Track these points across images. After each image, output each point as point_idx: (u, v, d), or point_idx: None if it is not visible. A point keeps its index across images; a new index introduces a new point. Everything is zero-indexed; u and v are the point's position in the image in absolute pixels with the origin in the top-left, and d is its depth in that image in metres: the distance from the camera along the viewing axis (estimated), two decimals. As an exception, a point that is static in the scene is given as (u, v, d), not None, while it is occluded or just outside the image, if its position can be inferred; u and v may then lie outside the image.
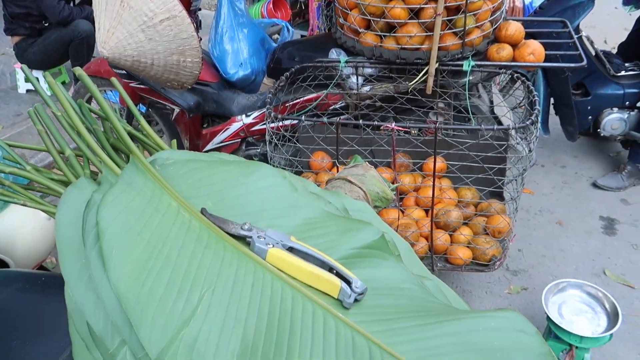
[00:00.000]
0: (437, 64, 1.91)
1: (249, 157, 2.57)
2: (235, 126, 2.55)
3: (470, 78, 1.95)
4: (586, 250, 2.65)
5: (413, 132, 2.11)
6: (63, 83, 4.33)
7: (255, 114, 2.51)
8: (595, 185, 3.13)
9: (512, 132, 1.80)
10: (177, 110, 2.48)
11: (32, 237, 1.42)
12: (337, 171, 1.83)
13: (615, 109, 3.02)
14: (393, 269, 0.76)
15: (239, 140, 2.60)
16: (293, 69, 2.03)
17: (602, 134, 3.07)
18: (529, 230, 2.78)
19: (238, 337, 0.59)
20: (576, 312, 1.92)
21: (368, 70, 2.10)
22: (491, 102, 2.24)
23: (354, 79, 2.11)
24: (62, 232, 0.67)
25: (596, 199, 3.04)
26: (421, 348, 0.60)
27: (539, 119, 2.65)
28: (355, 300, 0.65)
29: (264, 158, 2.53)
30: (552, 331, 1.89)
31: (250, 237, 0.69)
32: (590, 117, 3.07)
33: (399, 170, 1.95)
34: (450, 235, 1.86)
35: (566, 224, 2.84)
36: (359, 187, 1.01)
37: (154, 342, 0.58)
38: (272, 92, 1.85)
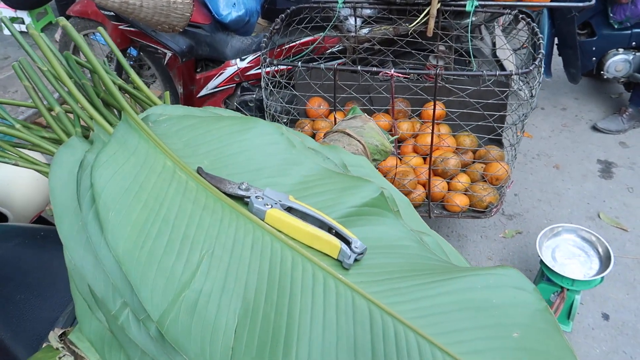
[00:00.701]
0: (439, 5, 1.83)
1: (245, 103, 2.52)
2: (229, 70, 2.48)
3: (473, 19, 1.88)
4: (582, 194, 2.67)
5: (412, 77, 2.06)
6: (50, 23, 4.17)
7: (250, 57, 2.44)
8: (595, 128, 3.11)
9: (515, 77, 1.76)
10: (169, 54, 2.40)
11: (28, 187, 1.41)
12: (334, 119, 1.80)
13: (621, 50, 2.95)
14: (392, 226, 0.76)
15: (234, 85, 2.54)
16: (289, 10, 1.95)
17: (605, 76, 3.02)
18: (525, 175, 2.79)
19: (239, 298, 0.60)
20: (569, 255, 1.96)
21: (367, 12, 2.02)
22: (494, 44, 2.17)
23: (352, 20, 2.03)
24: (57, 193, 0.66)
25: (595, 142, 3.03)
26: (419, 307, 0.60)
27: (542, 62, 2.60)
28: (355, 260, 0.65)
29: (259, 104, 2.48)
30: (544, 274, 1.93)
31: (249, 197, 0.68)
32: (594, 58, 3.01)
33: (397, 117, 1.92)
34: (448, 183, 1.86)
35: (563, 168, 2.85)
36: (358, 140, 0.99)
37: (155, 304, 0.58)
38: (268, 36, 1.78)
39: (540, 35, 1.65)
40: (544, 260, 1.92)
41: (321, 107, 2.16)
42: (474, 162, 1.89)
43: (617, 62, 2.96)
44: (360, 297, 0.60)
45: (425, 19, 1.88)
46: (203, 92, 2.58)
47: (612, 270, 1.90)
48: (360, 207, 0.74)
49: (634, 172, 2.80)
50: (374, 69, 1.47)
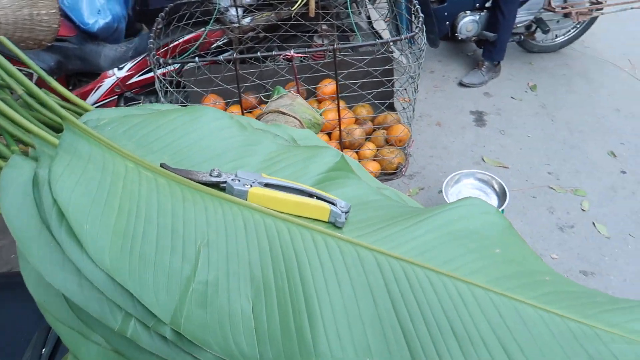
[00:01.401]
0: (316, -15, 1.89)
1: (132, 113, 2.37)
2: (108, 82, 2.32)
3: (349, -5, 1.97)
4: (464, 144, 2.95)
5: (309, 56, 2.09)
6: None
7: (129, 65, 2.30)
8: (461, 84, 3.44)
9: (393, 45, 1.88)
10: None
11: None
12: (242, 111, 1.78)
13: (468, 12, 3.28)
14: (358, 186, 0.79)
15: (116, 97, 2.38)
16: (167, 8, 1.87)
17: (459, 37, 3.33)
18: (414, 136, 3.00)
19: (247, 279, 0.59)
20: (472, 197, 2.16)
21: (247, 0, 2.01)
22: (369, 17, 2.29)
23: (233, 11, 2.01)
24: (14, 219, 0.59)
25: (464, 96, 3.35)
26: (416, 246, 0.65)
27: (404, 27, 2.79)
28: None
29: (149, 111, 2.35)
30: (455, 219, 2.12)
31: (224, 181, 0.67)
32: (447, 22, 3.31)
33: (298, 98, 1.95)
34: (357, 153, 1.95)
35: (444, 124, 3.11)
36: (293, 117, 1.01)
37: (163, 306, 0.55)
38: (153, 36, 1.70)
39: (416, 2, 1.78)
40: (452, 207, 2.09)
41: (217, 102, 2.12)
42: (375, 129, 2.00)
43: (467, 23, 3.29)
44: (363, 249, 0.63)
45: (305, 1, 1.93)
46: (82, 110, 2.38)
47: (506, 204, 2.15)
48: (327, 173, 0.76)
49: (501, 117, 3.15)
50: (274, 53, 1.48)
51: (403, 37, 1.55)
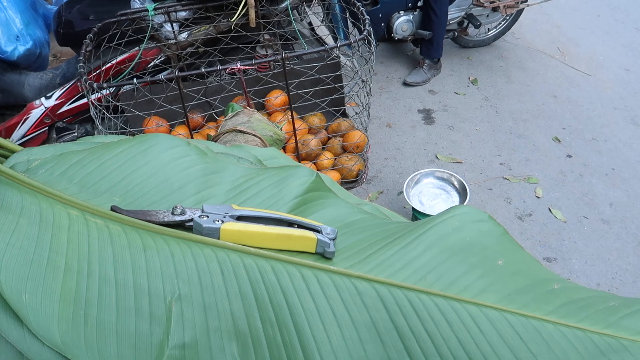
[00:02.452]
0: (255, -6, 1.81)
1: (67, 144, 2.19)
2: (36, 113, 2.13)
3: (290, 2, 1.90)
4: (417, 143, 2.95)
5: (255, 68, 2.00)
6: None
7: (58, 93, 2.12)
8: (405, 83, 3.45)
9: (337, 50, 1.83)
10: (-49, 111, 1.96)
11: None
12: (190, 132, 1.67)
13: (402, 12, 3.30)
14: (338, 205, 0.72)
15: (46, 128, 2.19)
16: (95, 29, 1.73)
17: (396, 37, 3.35)
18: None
19: (231, 334, 0.50)
20: (433, 197, 2.15)
21: (182, 14, 1.90)
22: (310, 24, 2.23)
23: (168, 27, 1.89)
24: None
25: (410, 96, 3.36)
26: (417, 270, 0.58)
27: (342, 30, 2.76)
28: (332, 246, 0.60)
29: (86, 140, 2.18)
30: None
31: (190, 219, 0.58)
32: (382, 23, 3.32)
33: (247, 113, 1.85)
34: (315, 164, 1.88)
35: (394, 125, 3.10)
36: (254, 135, 0.92)
37: (133, 383, 0.45)
38: (82, 60, 1.55)
39: (359, 4, 1.74)
40: (415, 208, 2.07)
41: (160, 125, 1.99)
42: (330, 137, 1.93)
43: (402, 23, 3.31)
44: (360, 281, 0.55)
45: (244, 11, 1.84)
46: (9, 146, 2.17)
47: (468, 200, 2.14)
48: (304, 195, 0.68)
49: (448, 112, 3.18)
50: (219, 67, 1.39)
51: (353, 40, 1.49)
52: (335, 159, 1.88)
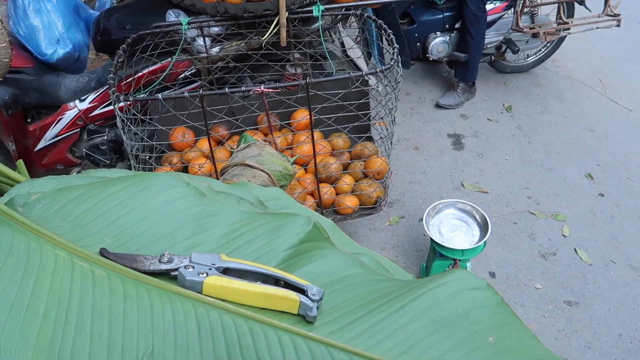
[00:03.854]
0: (287, 13, 1.82)
1: (95, 147, 2.25)
2: (69, 115, 2.19)
3: (322, 23, 1.90)
4: (443, 168, 2.90)
5: (281, 90, 2.01)
6: None
7: (92, 96, 2.18)
8: (438, 105, 3.40)
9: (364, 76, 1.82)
10: (-11, 109, 2.04)
11: None
12: (210, 147, 1.68)
13: (438, 33, 3.27)
14: (333, 257, 0.70)
15: (78, 129, 2.26)
16: (129, 39, 1.77)
17: (430, 58, 3.31)
18: (392, 161, 2.92)
19: (201, 398, 0.49)
20: (453, 228, 2.10)
21: (214, 30, 1.92)
22: (342, 45, 2.23)
23: (200, 41, 1.92)
24: None
25: (441, 118, 3.31)
26: (400, 342, 0.56)
27: (376, 54, 2.75)
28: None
29: (114, 145, 2.24)
30: (436, 251, 2.05)
31: (176, 269, 0.57)
32: (418, 43, 3.29)
33: (267, 132, 1.86)
34: (334, 187, 1.87)
35: (422, 148, 3.06)
36: (262, 170, 0.92)
37: None
38: (113, 70, 1.59)
39: (390, 32, 1.73)
40: (433, 238, 2.02)
41: (186, 136, 2.02)
42: (352, 161, 1.92)
43: (438, 44, 3.28)
44: (337, 351, 0.54)
45: (276, 29, 1.86)
46: (41, 145, 2.25)
47: (489, 234, 2.09)
48: (297, 247, 0.67)
49: (479, 139, 3.12)
50: (243, 88, 1.40)
51: (379, 69, 1.48)
52: (355, 184, 1.86)
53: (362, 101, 1.67)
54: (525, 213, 2.59)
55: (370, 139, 2.09)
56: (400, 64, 1.59)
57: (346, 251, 0.75)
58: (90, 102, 2.18)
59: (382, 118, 1.90)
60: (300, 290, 0.58)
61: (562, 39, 3.54)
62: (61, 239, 0.57)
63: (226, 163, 0.96)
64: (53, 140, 2.24)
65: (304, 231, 0.69)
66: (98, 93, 2.17)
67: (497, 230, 2.48)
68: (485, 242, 2.02)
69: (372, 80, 2.06)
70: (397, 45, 1.60)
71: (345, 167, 1.95)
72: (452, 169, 2.89)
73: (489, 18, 3.25)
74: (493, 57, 3.56)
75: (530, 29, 3.31)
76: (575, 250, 2.37)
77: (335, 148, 1.98)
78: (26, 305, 0.50)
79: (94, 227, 0.61)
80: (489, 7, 3.22)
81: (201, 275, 0.57)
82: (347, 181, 1.84)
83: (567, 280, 2.24)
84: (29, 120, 2.24)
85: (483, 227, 2.09)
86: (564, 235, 2.45)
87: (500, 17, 3.32)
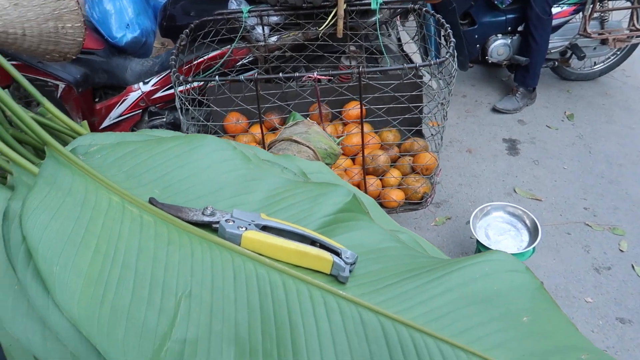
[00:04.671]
0: (345, 5, 1.83)
1: (155, 128, 2.36)
2: (133, 96, 2.31)
3: (379, 16, 1.90)
4: (496, 173, 2.82)
5: (334, 79, 2.03)
6: None
7: (154, 80, 2.29)
8: (494, 109, 3.31)
9: (423, 68, 1.80)
10: (62, 86, 2.18)
11: None
12: (262, 131, 1.72)
13: (500, 35, 3.18)
14: (370, 229, 0.71)
15: (140, 111, 2.37)
16: (192, 25, 1.84)
17: (490, 61, 3.23)
18: (443, 162, 2.89)
19: (231, 340, 0.51)
20: (501, 232, 2.05)
21: (274, 19, 1.97)
22: (399, 40, 2.22)
23: (259, 29, 1.97)
24: (-23, 257, 0.53)
25: (497, 123, 3.22)
26: (429, 311, 0.56)
27: (433, 50, 2.71)
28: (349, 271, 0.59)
29: (171, 127, 2.34)
30: (482, 254, 2.00)
31: (217, 222, 0.60)
32: (478, 45, 3.21)
33: (319, 121, 1.88)
34: (381, 180, 1.86)
35: (475, 151, 2.99)
36: (307, 146, 0.94)
37: (132, 368, 0.48)
38: (175, 53, 1.67)
39: (448, 26, 1.71)
40: (480, 241, 1.98)
41: (239, 121, 2.07)
42: (401, 155, 1.91)
43: (498, 47, 3.19)
44: (367, 311, 0.55)
45: (333, 21, 1.88)
46: (106, 123, 2.38)
47: (538, 241, 2.02)
48: (335, 215, 0.69)
49: (536, 145, 3.01)
50: (297, 74, 1.43)
51: (432, 62, 1.47)
52: (402, 178, 1.85)
53: (414, 93, 1.66)
54: (580, 224, 2.48)
55: (420, 134, 2.07)
56: (455, 59, 1.57)
57: (384, 227, 0.75)
58: (152, 85, 2.29)
59: (434, 115, 1.88)
60: (335, 253, 0.60)
61: (633, 47, 3.35)
62: (115, 185, 0.61)
63: (274, 138, 0.99)
64: (117, 120, 2.36)
65: (344, 201, 0.70)
66: (160, 77, 2.27)
67: (548, 239, 2.39)
68: (534, 249, 1.96)
69: (427, 77, 2.04)
70: (453, 40, 1.58)
71: (394, 162, 1.94)
72: (505, 174, 2.81)
73: (555, 22, 3.13)
74: (557, 63, 3.43)
75: (599, 34, 3.16)
76: (633, 267, 2.24)
77: (384, 142, 1.98)
78: (80, 239, 0.54)
79: (145, 179, 0.65)
80: (555, 10, 3.10)
81: (240, 229, 0.59)
82: (394, 174, 1.83)
83: (621, 296, 2.12)
84: (96, 99, 2.38)
85: (533, 232, 2.02)
86: (621, 250, 2.33)
87: (566, 22, 3.19)
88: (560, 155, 2.93)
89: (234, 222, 0.60)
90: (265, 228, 0.61)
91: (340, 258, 0.59)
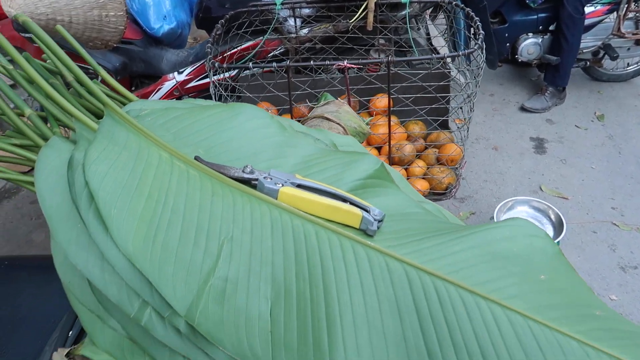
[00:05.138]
0: (376, -1, 1.88)
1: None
2: (168, 85, 2.40)
3: (409, 10, 1.94)
4: (522, 170, 2.82)
5: (364, 68, 2.08)
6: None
7: (188, 70, 2.37)
8: (522, 108, 3.30)
9: (450, 62, 1.83)
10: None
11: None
12: (292, 118, 1.78)
13: (530, 34, 3.17)
14: (396, 196, 0.75)
15: (174, 99, 2.46)
16: (227, 16, 1.91)
17: (519, 60, 3.21)
18: (469, 158, 2.90)
19: (268, 280, 0.57)
20: (525, 226, 2.05)
21: (306, 11, 2.03)
22: (427, 34, 2.25)
23: (291, 21, 2.03)
24: (46, 197, 0.60)
25: (524, 122, 3.21)
26: (451, 263, 0.60)
27: (462, 44, 2.72)
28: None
29: (204, 115, 2.41)
30: (505, 247, 2.01)
31: (256, 179, 0.65)
32: (508, 43, 3.20)
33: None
34: (406, 169, 1.90)
35: (501, 148, 2.99)
36: (337, 123, 0.98)
37: (180, 298, 0.54)
38: (211, 42, 1.74)
39: (477, 19, 1.73)
40: (503, 234, 1.99)
41: (269, 110, 2.13)
42: (427, 146, 1.94)
43: (529, 46, 3.17)
44: (393, 260, 0.59)
45: (363, 14, 1.92)
46: (141, 111, 2.47)
47: (562, 236, 2.02)
48: (364, 180, 0.73)
49: (564, 145, 3.00)
50: (327, 62, 1.48)
51: (460, 53, 1.50)
52: (427, 168, 1.88)
53: (442, 83, 1.69)
54: (607, 223, 2.46)
55: (446, 128, 2.09)
56: (483, 52, 1.59)
57: (411, 197, 0.79)
58: (187, 75, 2.37)
59: (461, 108, 1.90)
60: (364, 210, 0.64)
61: (670, 49, 3.30)
62: (165, 143, 0.67)
63: (306, 116, 1.04)
64: (151, 108, 2.46)
65: (373, 168, 0.75)
66: (194, 67, 2.36)
67: (573, 237, 2.38)
68: (558, 243, 1.96)
69: (454, 72, 2.07)
70: (482, 32, 1.61)
71: (420, 152, 1.98)
72: (531, 172, 2.80)
73: (587, 21, 3.10)
74: (588, 63, 3.39)
75: (634, 35, 3.12)
76: (660, 267, 2.22)
77: (410, 135, 2.01)
78: (134, 187, 0.60)
79: (190, 141, 0.71)
80: (588, 9, 3.07)
81: (277, 185, 0.64)
82: (419, 164, 1.86)
83: (646, 295, 2.11)
84: (133, 87, 2.48)
85: (557, 228, 2.02)
86: (649, 250, 2.30)
87: (599, 21, 3.16)
88: (589, 155, 2.91)
89: (271, 179, 0.65)
90: (299, 186, 0.66)
91: (369, 214, 0.63)
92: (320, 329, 0.54)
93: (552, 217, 2.04)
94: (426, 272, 0.58)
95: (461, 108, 1.90)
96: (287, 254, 0.59)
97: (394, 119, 2.07)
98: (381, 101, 1.95)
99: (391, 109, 2.04)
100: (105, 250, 0.56)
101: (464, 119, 1.84)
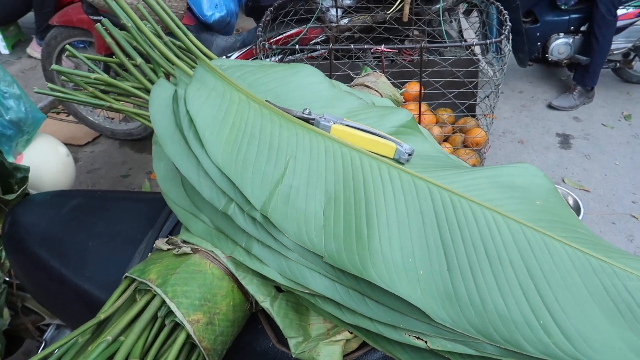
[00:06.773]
0: (413, -8, 2.04)
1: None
2: (216, 68, 2.60)
3: (443, 4, 2.09)
4: (546, 163, 2.93)
5: (399, 52, 2.23)
6: (19, 41, 4.16)
7: (236, 54, 2.57)
8: (550, 106, 3.40)
9: (479, 52, 1.97)
10: (158, 54, 2.50)
11: (55, 171, 1.49)
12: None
13: (562, 34, 3.26)
14: (424, 143, 0.92)
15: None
16: (276, 4, 2.10)
17: (550, 59, 3.31)
18: (495, 150, 3.03)
19: (322, 189, 0.74)
20: (544, 210, 2.18)
21: (347, 2, 2.20)
22: (459, 28, 2.39)
23: (333, 11, 2.21)
24: (158, 121, 0.79)
25: (551, 118, 3.32)
26: (465, 185, 0.77)
27: (493, 36, 2.85)
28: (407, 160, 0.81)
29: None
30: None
31: (313, 118, 0.83)
32: (539, 43, 3.30)
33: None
34: (434, 151, 2.05)
35: (527, 142, 3.11)
36: (376, 91, 1.15)
37: (256, 197, 0.72)
38: (262, 26, 1.93)
39: (505, 12, 1.87)
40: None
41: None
42: (454, 132, 2.09)
43: (560, 46, 3.26)
44: (419, 180, 0.76)
45: (400, 6, 2.08)
46: (190, 91, 2.69)
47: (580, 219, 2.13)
48: (398, 127, 0.90)
49: (589, 141, 3.09)
50: (366, 46, 1.65)
51: (488, 41, 1.65)
52: (454, 149, 2.03)
53: (470, 69, 1.84)
54: (626, 215, 2.56)
55: (473, 115, 2.24)
56: (510, 41, 1.74)
57: (436, 146, 0.96)
58: (234, 59, 2.57)
59: (487, 97, 2.04)
60: (398, 144, 0.81)
61: (700, 52, 3.35)
62: (243, 88, 0.86)
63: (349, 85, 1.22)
64: (200, 89, 2.67)
65: (405, 119, 0.92)
66: (241, 52, 2.56)
67: (592, 227, 2.48)
68: (574, 227, 2.08)
69: (483, 63, 2.21)
70: (509, 24, 1.75)
71: (447, 139, 2.12)
72: (555, 165, 2.91)
73: (620, 23, 3.18)
74: (618, 64, 3.47)
75: (665, 37, 3.19)
76: (675, 257, 2.31)
77: (439, 120, 2.16)
78: (222, 118, 0.79)
79: (261, 90, 0.89)
80: (620, 12, 3.15)
81: (330, 122, 0.82)
82: (446, 146, 2.02)
83: (659, 282, 2.20)
84: (184, 70, 2.69)
85: (575, 212, 2.14)
86: (666, 242, 2.40)
87: (631, 24, 3.24)
88: (613, 152, 3.00)
89: (325, 119, 0.83)
90: (347, 125, 0.83)
91: (402, 147, 0.80)
92: (361, 225, 0.71)
93: (571, 202, 2.16)
94: (445, 189, 0.75)
95: (488, 97, 2.04)
96: (336, 171, 0.76)
97: (424, 108, 2.22)
98: (412, 87, 2.11)
99: (422, 99, 2.19)
100: (201, 160, 0.74)
101: (490, 105, 1.98)
